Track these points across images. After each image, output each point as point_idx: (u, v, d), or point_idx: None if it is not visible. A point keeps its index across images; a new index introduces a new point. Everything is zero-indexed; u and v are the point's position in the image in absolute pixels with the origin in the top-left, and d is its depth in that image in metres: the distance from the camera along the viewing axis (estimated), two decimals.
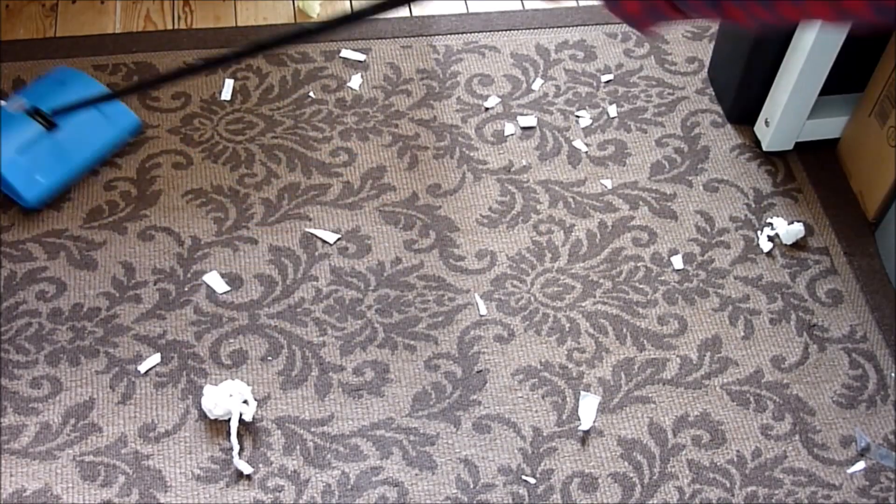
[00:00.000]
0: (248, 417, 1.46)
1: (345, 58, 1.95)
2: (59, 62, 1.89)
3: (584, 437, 1.50)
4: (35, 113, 1.68)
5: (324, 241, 1.67)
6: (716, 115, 1.91)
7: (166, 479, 1.43)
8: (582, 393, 1.53)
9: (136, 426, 1.48)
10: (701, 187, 1.80)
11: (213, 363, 1.54)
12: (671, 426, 1.52)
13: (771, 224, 1.75)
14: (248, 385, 1.51)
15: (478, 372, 1.56)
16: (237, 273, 1.64)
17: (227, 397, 1.47)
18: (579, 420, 1.51)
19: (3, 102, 1.71)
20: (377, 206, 1.74)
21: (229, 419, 1.47)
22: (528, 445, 1.49)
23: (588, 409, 1.52)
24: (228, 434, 1.47)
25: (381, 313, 1.61)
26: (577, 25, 2.04)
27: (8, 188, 1.66)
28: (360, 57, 1.96)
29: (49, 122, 1.68)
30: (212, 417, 1.47)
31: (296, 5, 2.05)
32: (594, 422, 1.51)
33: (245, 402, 1.48)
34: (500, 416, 1.52)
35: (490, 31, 2.02)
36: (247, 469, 1.44)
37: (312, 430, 1.49)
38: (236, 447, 1.45)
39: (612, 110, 1.90)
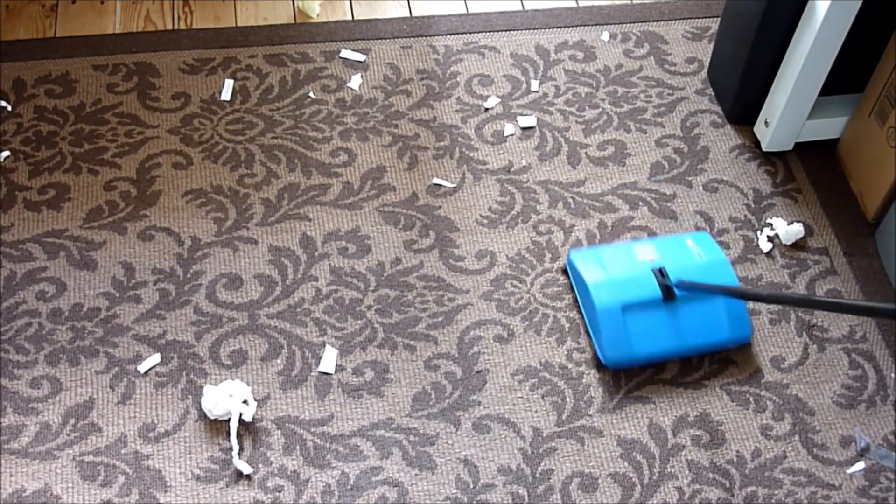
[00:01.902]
0: (248, 417, 1.46)
1: (345, 58, 1.95)
2: (59, 62, 1.90)
3: (584, 438, 1.50)
4: (660, 274, 1.55)
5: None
6: (715, 116, 1.91)
7: (166, 479, 1.43)
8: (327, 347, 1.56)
9: (136, 426, 1.48)
10: (701, 187, 1.80)
11: (213, 363, 1.54)
12: (671, 426, 1.52)
13: (771, 224, 1.75)
14: (248, 385, 1.51)
15: (478, 372, 1.56)
16: (237, 273, 1.64)
17: (227, 397, 1.47)
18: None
19: (637, 243, 1.62)
20: (377, 206, 1.74)
21: (229, 419, 1.47)
22: (528, 445, 1.49)
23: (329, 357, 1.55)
24: (228, 434, 1.47)
25: (381, 313, 1.61)
26: (577, 26, 2.04)
27: (596, 335, 1.55)
28: (360, 57, 1.96)
29: (670, 291, 1.53)
30: (211, 417, 1.47)
31: (296, 5, 2.05)
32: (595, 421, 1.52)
33: (245, 402, 1.48)
34: (500, 416, 1.52)
35: (490, 32, 2.02)
36: (246, 469, 1.44)
37: (312, 430, 1.49)
38: (236, 447, 1.45)
39: (612, 110, 1.90)
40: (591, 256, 1.61)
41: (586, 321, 1.59)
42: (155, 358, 1.54)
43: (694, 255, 1.60)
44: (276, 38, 1.98)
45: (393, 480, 1.45)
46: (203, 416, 1.49)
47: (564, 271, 1.67)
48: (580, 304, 1.62)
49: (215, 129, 1.82)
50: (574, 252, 1.64)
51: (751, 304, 1.65)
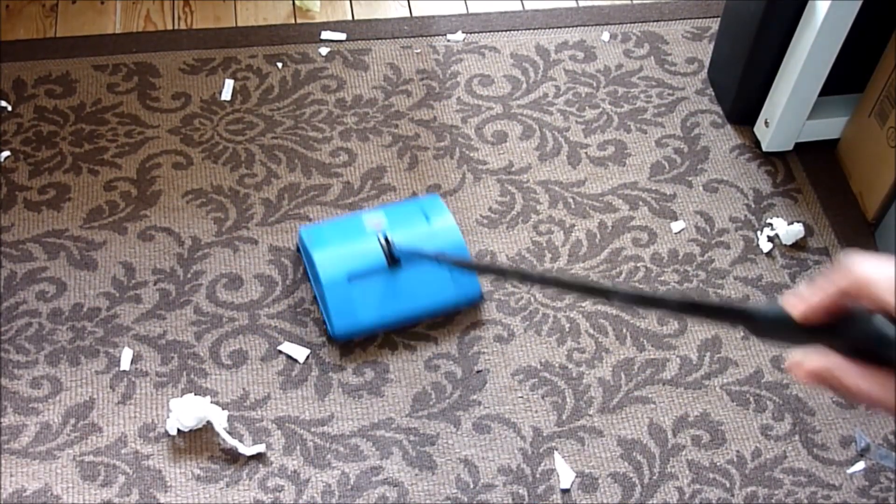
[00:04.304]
0: (223, 423, 1.45)
1: (344, 57, 1.95)
2: (59, 62, 1.90)
3: (584, 438, 1.50)
4: (385, 242, 1.55)
5: None
6: (716, 116, 1.91)
7: (166, 479, 1.43)
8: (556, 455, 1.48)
9: (136, 426, 1.48)
10: (701, 188, 1.80)
11: (213, 363, 1.54)
12: (671, 426, 1.52)
13: (771, 224, 1.75)
14: (248, 385, 1.51)
15: (478, 372, 1.56)
16: (237, 273, 1.64)
17: (195, 406, 1.45)
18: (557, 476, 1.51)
19: (365, 213, 1.64)
20: (377, 206, 1.74)
21: (208, 426, 1.46)
22: (528, 445, 1.49)
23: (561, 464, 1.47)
24: (223, 438, 1.47)
25: None
26: (577, 26, 2.04)
27: (324, 309, 1.56)
28: (360, 56, 1.96)
29: (394, 259, 1.54)
30: (185, 430, 1.46)
31: (296, 5, 2.05)
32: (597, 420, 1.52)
33: (215, 406, 1.47)
34: (500, 416, 1.52)
35: (490, 32, 2.02)
36: (259, 449, 1.44)
37: (312, 430, 1.49)
38: (236, 442, 1.45)
39: (612, 110, 1.90)
40: (320, 232, 1.61)
41: (315, 295, 1.60)
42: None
43: (423, 219, 1.62)
44: (276, 38, 1.98)
45: (393, 480, 1.45)
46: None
47: (298, 250, 1.66)
48: (310, 280, 1.62)
49: (215, 129, 1.82)
50: (304, 228, 1.63)
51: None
